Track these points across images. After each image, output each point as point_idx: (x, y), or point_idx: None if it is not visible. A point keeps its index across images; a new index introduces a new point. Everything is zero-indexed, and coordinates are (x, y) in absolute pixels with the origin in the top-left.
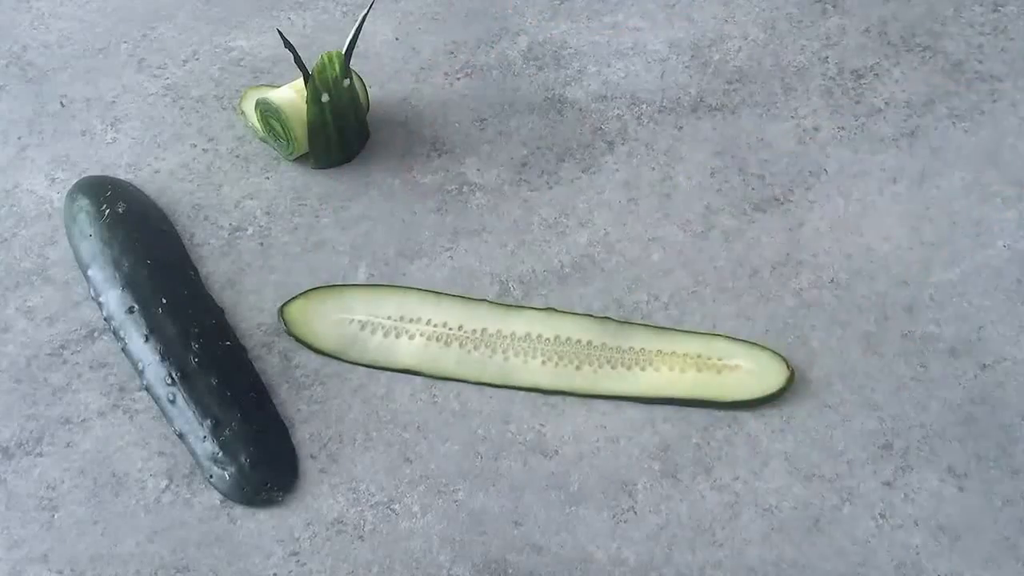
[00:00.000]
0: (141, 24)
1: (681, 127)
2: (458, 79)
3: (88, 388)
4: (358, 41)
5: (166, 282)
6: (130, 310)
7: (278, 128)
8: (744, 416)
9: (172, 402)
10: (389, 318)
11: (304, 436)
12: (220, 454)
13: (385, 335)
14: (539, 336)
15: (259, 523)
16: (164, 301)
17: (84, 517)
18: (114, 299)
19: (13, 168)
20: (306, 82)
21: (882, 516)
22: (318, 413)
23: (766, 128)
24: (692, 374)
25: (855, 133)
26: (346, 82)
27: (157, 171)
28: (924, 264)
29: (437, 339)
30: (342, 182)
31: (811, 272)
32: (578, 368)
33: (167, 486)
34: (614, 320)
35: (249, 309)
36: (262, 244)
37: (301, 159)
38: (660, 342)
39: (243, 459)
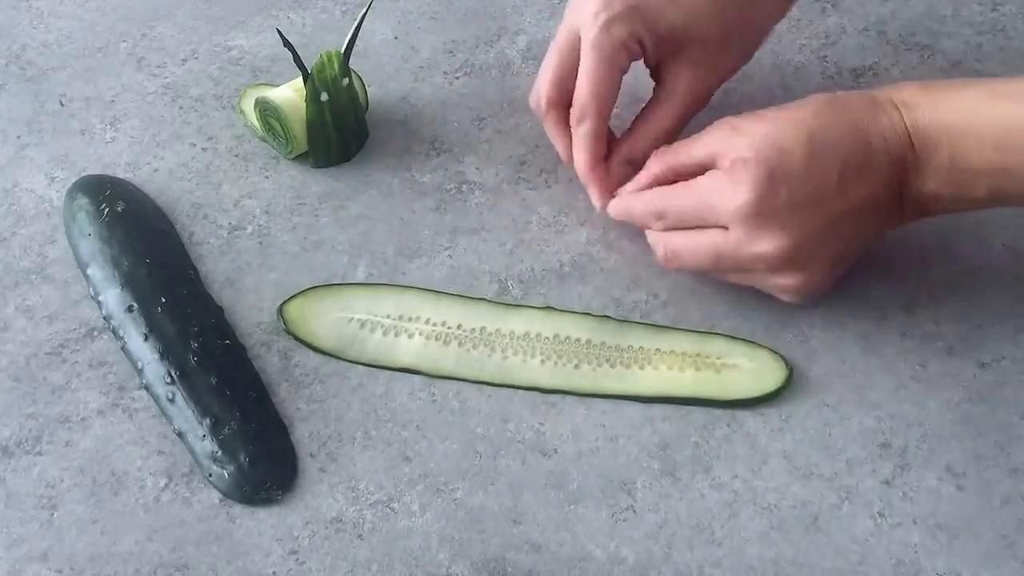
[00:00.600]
0: (140, 23)
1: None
2: (457, 78)
3: (87, 387)
4: (357, 40)
5: (165, 281)
6: (129, 309)
7: (277, 127)
8: (743, 415)
9: (171, 401)
10: (388, 317)
11: (303, 435)
12: (219, 453)
13: (384, 334)
14: (538, 335)
15: (258, 522)
16: (163, 300)
17: (83, 516)
18: (113, 298)
19: (12, 167)
20: (305, 81)
21: (881, 515)
22: (317, 412)
23: None
24: (691, 373)
25: None
26: (345, 81)
27: (156, 170)
28: (922, 263)
29: (436, 338)
30: (341, 181)
31: None
32: (577, 367)
33: (166, 485)
34: (613, 319)
35: (248, 308)
36: (261, 243)
37: (300, 158)
38: (659, 341)
39: (242, 458)
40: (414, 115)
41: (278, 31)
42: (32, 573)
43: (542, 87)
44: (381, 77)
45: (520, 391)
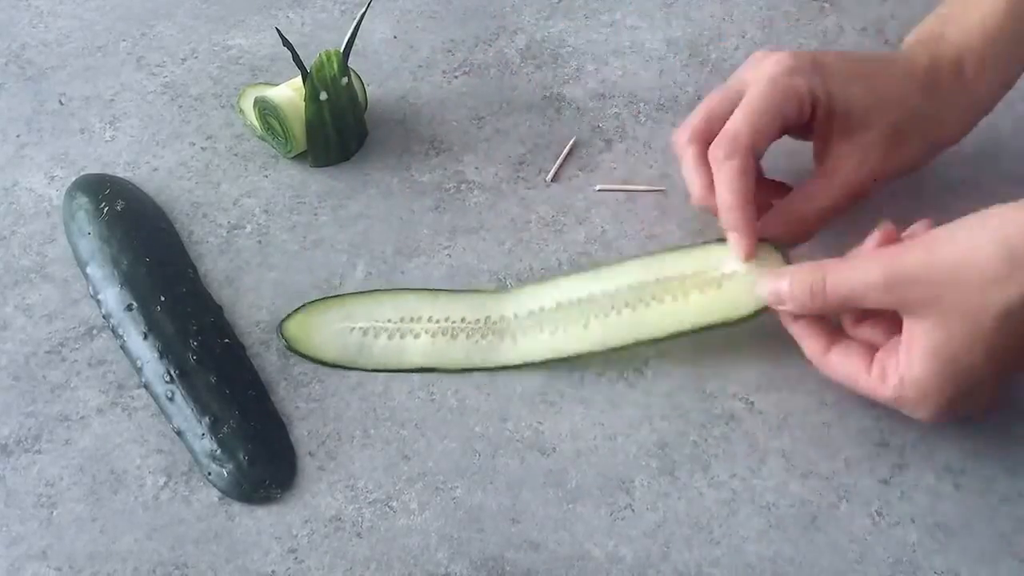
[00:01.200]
0: (140, 22)
1: (679, 125)
2: (456, 77)
3: (87, 385)
4: (356, 39)
5: (164, 280)
6: (129, 308)
7: (276, 126)
8: (742, 413)
9: (170, 399)
10: (390, 321)
11: (302, 433)
12: (218, 451)
13: (389, 338)
14: (541, 309)
15: (257, 520)
16: (163, 299)
17: (82, 514)
18: (113, 297)
19: (12, 166)
20: (304, 80)
21: (879, 513)
22: (316, 411)
23: None
24: (696, 297)
25: None
26: (344, 80)
27: (156, 169)
28: None
29: (443, 333)
30: (340, 180)
31: None
32: (586, 327)
33: (165, 483)
34: (604, 264)
35: (247, 307)
36: (260, 242)
37: (299, 157)
38: (656, 270)
39: (241, 456)
40: (413, 114)
41: (277, 30)
42: (31, 571)
43: (691, 120)
44: (380, 76)
45: (519, 390)
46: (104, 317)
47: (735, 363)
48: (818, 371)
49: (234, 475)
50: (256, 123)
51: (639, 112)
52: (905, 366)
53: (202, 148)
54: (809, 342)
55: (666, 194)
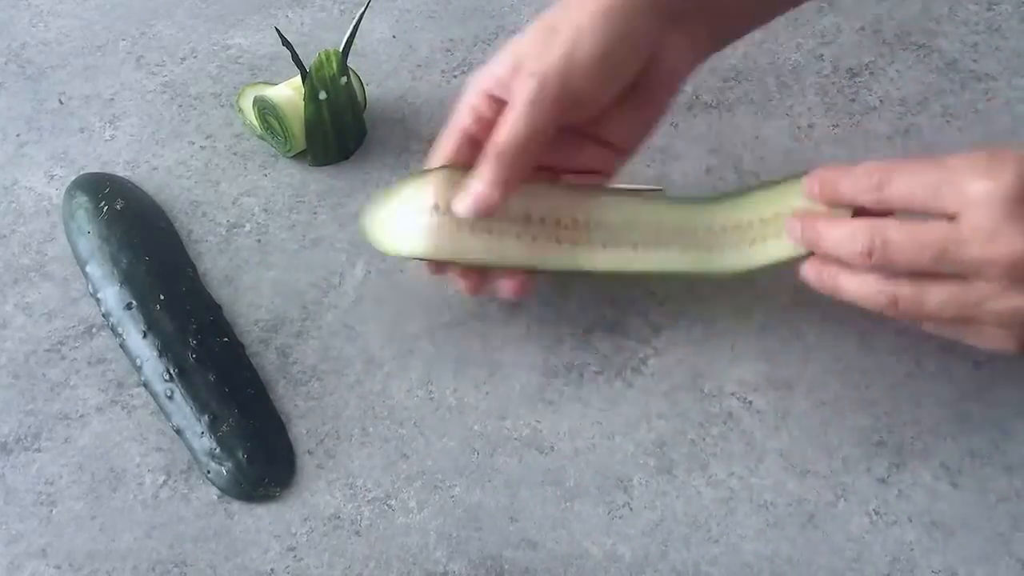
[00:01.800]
0: (139, 22)
1: (676, 124)
2: (455, 76)
3: (86, 384)
4: (355, 39)
5: (164, 279)
6: (128, 306)
7: (276, 125)
8: (740, 412)
9: (170, 398)
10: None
11: (301, 432)
12: (217, 450)
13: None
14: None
15: (256, 518)
16: (162, 297)
17: (82, 512)
18: (112, 295)
19: (12, 165)
20: (304, 80)
21: (876, 512)
22: (315, 409)
23: (761, 126)
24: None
25: (850, 131)
26: (343, 80)
27: (155, 168)
28: None
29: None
30: (339, 179)
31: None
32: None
33: (165, 481)
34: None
35: (247, 306)
36: (260, 241)
37: (298, 156)
38: (747, 211)
39: (240, 455)
40: (412, 113)
41: (276, 30)
42: (31, 569)
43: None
44: (379, 76)
45: (517, 388)
46: (103, 316)
47: (733, 362)
48: (817, 369)
49: (233, 473)
50: (255, 122)
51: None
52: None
53: (201, 147)
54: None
55: (664, 194)
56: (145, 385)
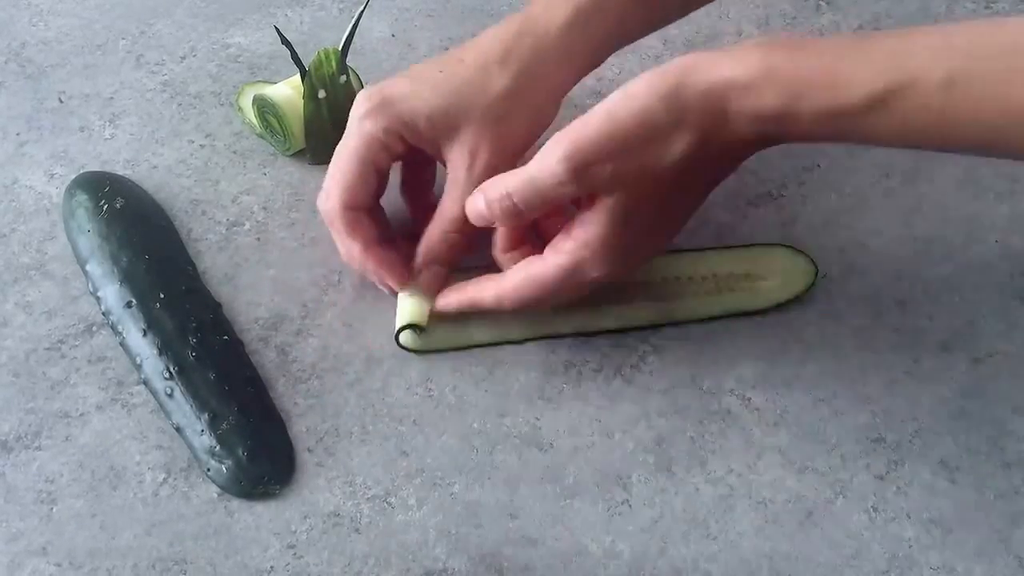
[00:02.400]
0: (139, 21)
1: None
2: None
3: (86, 382)
4: (354, 38)
5: (164, 277)
6: (128, 305)
7: (275, 124)
8: (738, 409)
9: (170, 396)
10: None
11: (301, 430)
12: (217, 447)
13: None
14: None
15: (256, 516)
16: (162, 296)
17: (82, 510)
18: (112, 294)
19: (12, 164)
20: (303, 78)
21: (874, 509)
22: (315, 407)
23: None
24: (727, 295)
25: None
26: (342, 78)
27: (155, 167)
28: (916, 259)
29: None
30: None
31: None
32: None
33: (165, 479)
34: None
35: (246, 304)
36: (259, 239)
37: (298, 155)
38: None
39: (240, 452)
40: None
41: (276, 28)
42: (31, 567)
43: (322, 190)
44: (378, 74)
45: (516, 386)
46: (104, 314)
47: (732, 360)
48: (815, 367)
49: (233, 471)
50: (255, 121)
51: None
52: (583, 229)
53: (201, 146)
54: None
55: None
56: (145, 383)
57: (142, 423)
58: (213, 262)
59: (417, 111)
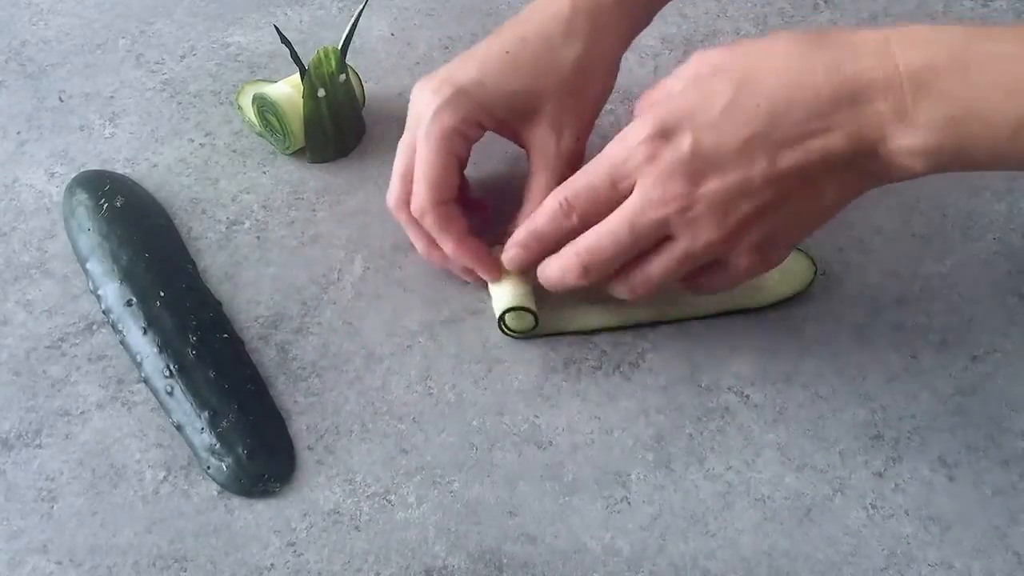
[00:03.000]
0: (139, 20)
1: None
2: None
3: (87, 380)
4: (354, 37)
5: (164, 275)
6: (128, 303)
7: (275, 123)
8: (737, 406)
9: (170, 394)
10: None
11: (301, 427)
12: (217, 445)
13: None
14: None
15: (256, 514)
16: (162, 294)
17: (83, 508)
18: (112, 292)
19: (12, 163)
20: (302, 77)
21: (873, 506)
22: (315, 405)
23: None
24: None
25: None
26: (342, 77)
27: (155, 165)
28: (915, 256)
29: None
30: (338, 176)
31: None
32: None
33: (165, 477)
34: None
35: (246, 302)
36: (259, 238)
37: (298, 153)
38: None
39: (240, 450)
40: None
41: (275, 27)
42: (32, 565)
43: (391, 188)
44: (378, 73)
45: (516, 384)
46: (104, 312)
47: (730, 357)
48: (814, 364)
49: (233, 469)
50: (254, 120)
51: (634, 109)
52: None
53: (201, 145)
54: None
55: None
56: (145, 381)
57: (142, 421)
58: (213, 260)
59: (495, 97)
